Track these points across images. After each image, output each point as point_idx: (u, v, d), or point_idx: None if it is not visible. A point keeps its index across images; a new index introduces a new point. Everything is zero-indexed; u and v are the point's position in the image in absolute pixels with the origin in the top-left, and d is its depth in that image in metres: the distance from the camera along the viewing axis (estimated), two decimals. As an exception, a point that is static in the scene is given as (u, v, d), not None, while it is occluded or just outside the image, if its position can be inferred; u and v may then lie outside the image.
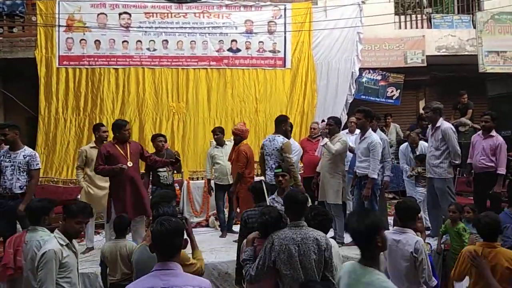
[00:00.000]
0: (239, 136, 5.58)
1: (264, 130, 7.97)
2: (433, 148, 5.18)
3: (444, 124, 5.16)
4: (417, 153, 6.12)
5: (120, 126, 4.72)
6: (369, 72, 8.67)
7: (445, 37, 8.66)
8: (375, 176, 4.81)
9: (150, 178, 5.60)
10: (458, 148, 5.09)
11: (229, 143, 5.98)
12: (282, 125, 5.23)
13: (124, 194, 4.60)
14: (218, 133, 6.05)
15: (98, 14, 7.78)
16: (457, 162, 5.14)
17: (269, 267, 2.76)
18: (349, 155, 5.55)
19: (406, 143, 6.48)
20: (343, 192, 5.16)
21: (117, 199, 4.64)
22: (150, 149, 6.04)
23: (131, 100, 7.80)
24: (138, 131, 7.77)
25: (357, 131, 5.67)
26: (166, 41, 7.95)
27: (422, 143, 6.21)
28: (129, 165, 4.60)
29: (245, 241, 3.12)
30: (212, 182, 6.13)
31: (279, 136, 5.13)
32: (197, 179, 7.04)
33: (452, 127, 5.23)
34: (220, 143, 6.07)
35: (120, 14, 7.84)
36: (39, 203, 3.37)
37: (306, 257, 2.71)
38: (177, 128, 7.87)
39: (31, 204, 3.43)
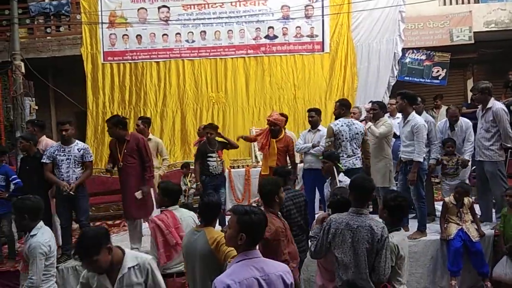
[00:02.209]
0: (278, 126, 5.49)
1: (303, 117, 7.88)
2: (483, 130, 4.92)
3: (496, 104, 4.86)
4: (456, 130, 5.44)
5: (124, 124, 4.74)
6: (413, 52, 8.32)
7: (494, 11, 8.12)
8: (421, 160, 4.64)
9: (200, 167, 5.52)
10: (510, 130, 4.81)
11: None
12: (350, 109, 5.26)
13: (122, 194, 4.91)
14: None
15: (138, 9, 8.01)
16: (509, 145, 4.86)
17: (326, 247, 2.84)
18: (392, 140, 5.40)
19: (445, 119, 5.80)
20: (389, 176, 5.07)
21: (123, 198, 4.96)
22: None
23: (173, 92, 8.00)
24: (180, 122, 7.97)
25: (399, 114, 5.49)
26: (204, 32, 8.05)
27: (462, 120, 5.62)
28: (108, 167, 4.88)
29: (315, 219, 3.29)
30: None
31: (355, 120, 5.13)
32: (238, 167, 7.13)
33: (504, 107, 4.92)
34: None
35: (159, 8, 8.03)
36: (175, 186, 3.64)
37: (359, 244, 2.69)
38: (217, 118, 7.98)
39: (168, 186, 3.58)
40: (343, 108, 5.07)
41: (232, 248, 2.81)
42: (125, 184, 4.79)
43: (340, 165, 3.91)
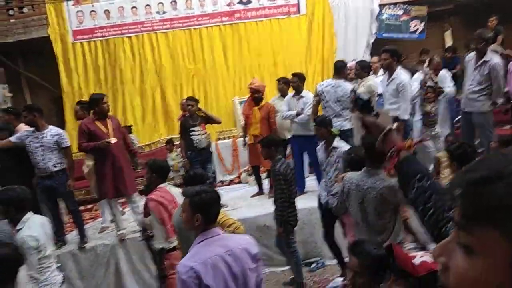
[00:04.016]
0: (261, 92, 5.49)
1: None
2: (475, 82, 4.82)
3: (494, 59, 4.71)
4: (435, 81, 5.56)
5: (97, 100, 4.56)
6: (389, 8, 8.21)
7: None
8: (406, 117, 4.69)
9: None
10: (503, 87, 4.80)
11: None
12: (343, 70, 5.16)
13: (106, 173, 4.55)
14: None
15: (103, -18, 7.61)
16: (499, 102, 4.84)
17: (343, 205, 2.95)
18: None
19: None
20: None
21: (100, 177, 4.63)
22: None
23: (149, 68, 7.76)
24: (160, 98, 7.79)
25: (381, 71, 5.49)
26: (175, 1, 7.74)
27: (443, 73, 5.77)
28: (113, 141, 4.50)
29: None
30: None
31: (344, 81, 5.06)
32: (224, 138, 7.09)
33: (501, 63, 4.82)
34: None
35: (125, -21, 7.64)
36: (163, 162, 3.66)
37: (368, 204, 2.72)
38: (198, 91, 7.80)
39: (156, 163, 3.58)
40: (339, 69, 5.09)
41: (235, 221, 2.84)
42: (119, 160, 4.61)
43: (334, 130, 3.91)
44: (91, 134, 4.53)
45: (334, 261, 4.28)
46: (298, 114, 5.30)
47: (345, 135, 4.95)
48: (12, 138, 4.57)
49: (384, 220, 2.74)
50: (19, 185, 3.17)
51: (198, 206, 1.99)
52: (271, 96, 6.53)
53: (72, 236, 4.97)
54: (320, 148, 4.07)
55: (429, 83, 5.46)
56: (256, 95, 5.45)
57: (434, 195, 1.16)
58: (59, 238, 4.73)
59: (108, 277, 4.64)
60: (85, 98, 7.46)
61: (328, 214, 3.89)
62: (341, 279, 2.04)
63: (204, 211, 1.99)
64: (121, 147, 4.69)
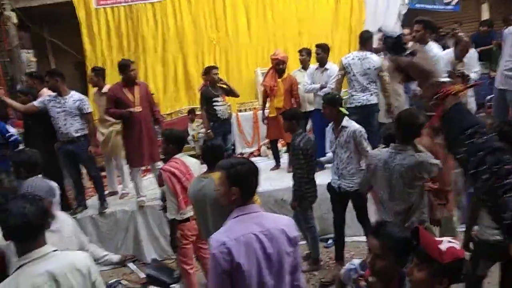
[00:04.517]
0: (285, 63, 5.33)
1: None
2: None
3: None
4: (461, 70, 5.21)
5: (124, 67, 4.53)
6: (424, -24, 7.74)
7: None
8: None
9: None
10: None
11: None
12: (369, 41, 4.88)
13: (132, 140, 4.60)
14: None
15: None
16: None
17: (368, 182, 2.91)
18: None
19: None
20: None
21: (127, 144, 4.69)
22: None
23: (172, 36, 7.64)
24: (182, 67, 7.70)
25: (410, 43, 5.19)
26: (199, -35, 7.51)
27: (471, 53, 5.20)
28: (137, 110, 4.51)
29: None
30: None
31: (371, 54, 4.80)
32: (245, 110, 6.99)
33: None
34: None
35: None
36: (179, 132, 3.64)
37: (396, 181, 2.63)
38: (219, 60, 7.67)
39: (172, 133, 3.55)
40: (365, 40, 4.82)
41: None
42: (144, 128, 4.62)
43: (342, 109, 3.71)
44: (117, 101, 4.55)
45: (351, 238, 4.23)
46: (322, 88, 5.13)
47: (371, 110, 4.79)
48: (35, 103, 4.61)
49: (411, 198, 2.65)
50: (43, 149, 3.25)
51: (234, 179, 1.86)
52: (294, 67, 6.34)
53: (92, 201, 5.05)
54: (329, 129, 3.90)
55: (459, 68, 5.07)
56: (280, 67, 5.30)
57: (489, 156, 0.92)
58: (80, 202, 4.84)
59: (126, 242, 4.73)
60: (108, 64, 7.53)
61: (339, 199, 3.79)
62: (358, 260, 1.95)
63: (241, 184, 1.86)
64: (147, 115, 4.69)
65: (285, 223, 1.89)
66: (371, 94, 4.78)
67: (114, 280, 2.83)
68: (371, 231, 1.84)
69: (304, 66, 5.62)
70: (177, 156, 3.43)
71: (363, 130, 3.64)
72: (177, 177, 3.30)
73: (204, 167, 3.12)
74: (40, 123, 4.69)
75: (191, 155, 6.21)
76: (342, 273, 2.04)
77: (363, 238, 4.24)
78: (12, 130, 4.76)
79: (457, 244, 1.57)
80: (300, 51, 5.68)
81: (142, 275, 2.67)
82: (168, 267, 3.20)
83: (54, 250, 1.82)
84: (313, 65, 5.48)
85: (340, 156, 3.70)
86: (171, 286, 2.90)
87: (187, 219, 3.35)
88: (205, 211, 2.88)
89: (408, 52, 1.20)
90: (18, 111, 5.03)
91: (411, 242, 1.63)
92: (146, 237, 4.74)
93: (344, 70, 4.81)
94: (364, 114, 4.68)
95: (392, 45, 1.30)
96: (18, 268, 1.76)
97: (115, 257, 2.86)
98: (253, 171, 1.91)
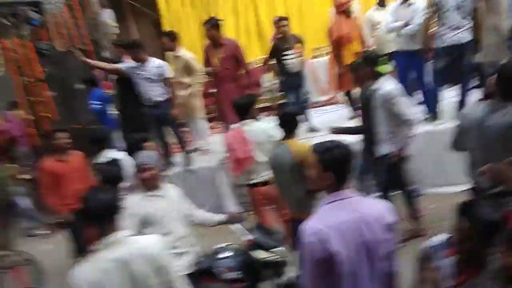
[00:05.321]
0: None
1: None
2: None
3: None
4: None
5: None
6: None
7: None
8: None
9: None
10: None
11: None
12: None
13: (218, 97, 4.98)
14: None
15: None
16: None
17: (458, 142, 2.69)
18: None
19: None
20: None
21: (216, 101, 5.03)
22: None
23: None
24: (253, 16, 7.52)
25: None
26: None
27: None
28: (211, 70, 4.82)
29: None
30: None
31: None
32: (321, 55, 6.69)
33: None
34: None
35: None
36: (243, 99, 3.76)
37: (491, 143, 2.36)
38: (292, 5, 7.31)
39: (237, 100, 3.72)
40: None
41: None
42: (221, 88, 4.82)
43: (379, 69, 3.37)
44: (207, 61, 4.91)
45: (431, 190, 4.26)
46: (406, 25, 4.69)
47: (466, 48, 4.33)
48: (122, 66, 4.91)
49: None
50: (134, 110, 4.24)
51: (329, 163, 1.76)
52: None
53: (177, 159, 5.37)
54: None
55: None
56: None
57: None
58: (167, 161, 5.16)
59: (209, 199, 4.94)
60: (183, 21, 7.60)
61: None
62: (440, 239, 1.80)
63: (335, 170, 1.76)
64: (229, 75, 4.85)
65: (382, 208, 1.81)
66: (464, 30, 4.29)
67: (224, 244, 2.86)
68: (460, 210, 1.68)
69: (381, 3, 5.12)
70: (236, 125, 3.69)
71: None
72: (232, 148, 3.55)
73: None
74: (128, 89, 5.00)
75: (267, 108, 6.28)
76: (423, 249, 1.91)
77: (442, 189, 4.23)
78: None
79: None
80: None
81: (245, 237, 2.81)
82: (272, 231, 3.12)
83: (127, 236, 1.91)
84: (394, 1, 4.97)
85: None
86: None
87: (255, 185, 3.50)
88: (281, 175, 3.08)
89: None
90: (105, 70, 5.40)
91: (500, 225, 1.47)
92: (229, 193, 4.95)
93: (436, 6, 4.34)
94: (455, 55, 4.32)
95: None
96: (92, 252, 1.86)
97: (221, 217, 3.07)
98: (348, 155, 1.81)
